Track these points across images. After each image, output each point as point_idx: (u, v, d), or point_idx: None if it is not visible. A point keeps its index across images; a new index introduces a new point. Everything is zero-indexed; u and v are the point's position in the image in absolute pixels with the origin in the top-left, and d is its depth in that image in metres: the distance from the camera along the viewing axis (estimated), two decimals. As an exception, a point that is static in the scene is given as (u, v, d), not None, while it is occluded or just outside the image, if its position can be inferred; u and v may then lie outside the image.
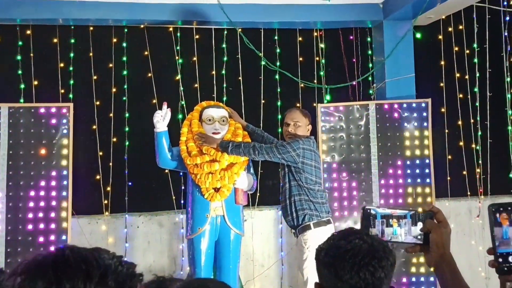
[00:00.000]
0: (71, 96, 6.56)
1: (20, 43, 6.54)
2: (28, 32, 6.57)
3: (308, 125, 5.25)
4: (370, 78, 7.03)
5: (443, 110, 7.08)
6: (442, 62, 7.04)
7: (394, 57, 6.69)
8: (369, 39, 7.13)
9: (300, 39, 7.09)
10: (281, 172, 5.24)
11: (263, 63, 6.75)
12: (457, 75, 7.06)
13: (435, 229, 1.90)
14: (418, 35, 6.67)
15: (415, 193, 6.38)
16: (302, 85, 6.90)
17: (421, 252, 1.93)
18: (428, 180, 6.41)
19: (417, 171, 6.42)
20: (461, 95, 7.08)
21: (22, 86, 6.47)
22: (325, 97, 6.83)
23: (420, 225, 1.93)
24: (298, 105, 6.87)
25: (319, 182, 5.09)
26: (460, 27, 7.00)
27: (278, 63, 6.81)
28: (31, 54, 6.57)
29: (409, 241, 1.94)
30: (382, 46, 6.75)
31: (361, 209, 1.95)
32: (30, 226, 5.79)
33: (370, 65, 7.05)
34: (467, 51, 7.02)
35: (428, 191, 6.39)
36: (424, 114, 6.45)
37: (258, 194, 6.66)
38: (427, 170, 6.41)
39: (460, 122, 7.09)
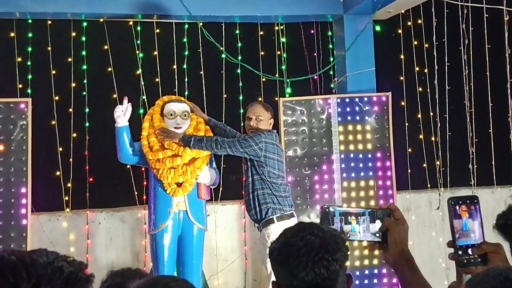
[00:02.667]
0: (29, 91, 6.45)
1: (-25, 37, 6.40)
2: (-17, 25, 6.44)
3: (270, 119, 5.27)
4: (331, 72, 7.07)
5: (403, 103, 7.15)
6: (402, 56, 7.11)
7: (355, 51, 6.73)
8: (329, 33, 7.16)
9: (262, 33, 7.09)
10: (244, 166, 5.25)
11: (224, 56, 6.73)
12: (417, 68, 7.14)
13: (393, 226, 1.91)
14: (378, 28, 6.73)
15: (376, 186, 6.44)
16: (264, 79, 6.91)
17: (380, 249, 1.95)
18: (389, 173, 6.47)
19: (378, 164, 6.48)
20: (420, 89, 7.17)
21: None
22: (286, 90, 6.85)
23: (378, 222, 1.94)
24: (260, 99, 6.88)
25: (282, 175, 5.11)
26: (419, 21, 7.07)
27: (239, 57, 6.79)
28: (-14, 49, 6.45)
29: (367, 239, 1.95)
30: (343, 40, 6.78)
31: (319, 208, 1.96)
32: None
33: (331, 59, 7.08)
34: (426, 45, 7.11)
35: (389, 184, 6.46)
36: (385, 107, 6.51)
37: (221, 188, 6.64)
38: (388, 163, 6.48)
39: (420, 115, 7.19)
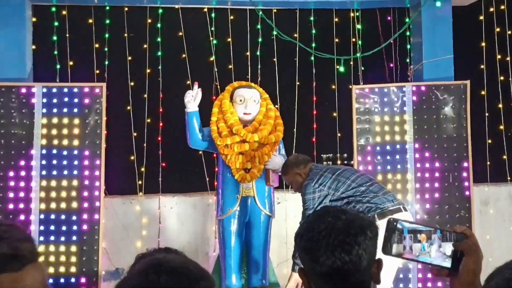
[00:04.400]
0: (105, 76, 6.57)
1: (56, 23, 6.56)
2: (64, 12, 6.60)
3: (298, 171, 4.89)
4: (408, 60, 6.87)
5: (483, 92, 6.87)
6: (483, 44, 6.83)
7: (432, 38, 6.51)
8: (407, 19, 6.95)
9: (337, 19, 6.96)
10: None
11: (297, 45, 6.64)
12: (498, 56, 6.85)
13: (471, 253, 1.70)
14: (438, 4, 6.42)
15: (451, 177, 6.22)
16: (337, 66, 6.78)
17: (448, 276, 1.75)
18: (465, 164, 6.24)
19: (455, 154, 6.25)
20: (502, 78, 6.88)
21: (58, 66, 6.51)
22: (339, 69, 6.65)
23: (449, 246, 1.75)
24: (333, 86, 6.79)
25: (348, 190, 4.78)
26: (502, 7, 6.78)
27: (313, 44, 6.70)
28: (67, 35, 6.60)
29: (437, 262, 1.75)
30: (420, 26, 6.57)
31: (387, 219, 1.84)
32: (63, 205, 5.83)
33: (408, 46, 6.88)
34: (509, 32, 6.80)
35: (466, 175, 6.23)
36: (463, 96, 6.27)
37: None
38: (465, 154, 6.24)
39: (500, 105, 6.89)
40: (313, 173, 4.83)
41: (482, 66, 6.86)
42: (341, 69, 6.62)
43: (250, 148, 4.96)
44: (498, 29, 6.84)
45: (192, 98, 5.05)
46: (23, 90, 5.86)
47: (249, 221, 5.12)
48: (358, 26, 6.89)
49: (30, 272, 1.58)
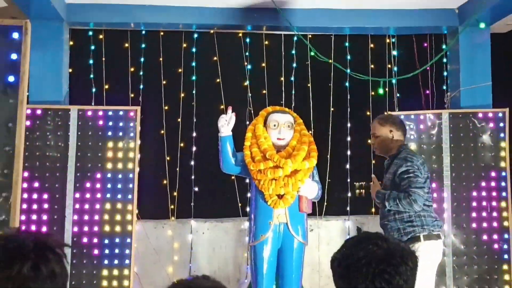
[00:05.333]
0: (140, 100, 6.61)
1: (92, 47, 6.64)
2: (101, 36, 6.69)
3: (392, 132, 4.81)
4: (444, 87, 6.78)
5: (522, 121, 6.73)
6: (523, 71, 6.72)
7: (470, 65, 6.43)
8: (444, 46, 6.87)
9: (372, 45, 6.91)
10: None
11: (332, 68, 6.60)
12: (538, 84, 6.73)
13: None
14: (482, 25, 6.33)
15: (490, 208, 6.08)
16: (373, 93, 6.72)
17: None
18: (504, 194, 6.10)
19: (493, 184, 6.12)
20: (542, 106, 6.74)
21: (94, 89, 6.57)
22: (378, 90, 6.57)
23: None
24: (368, 113, 6.71)
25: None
26: (542, 34, 6.68)
27: (348, 70, 6.65)
28: (103, 58, 6.67)
29: None
30: (458, 53, 6.49)
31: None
32: (95, 228, 5.83)
33: (445, 73, 6.79)
34: (550, 59, 6.69)
35: (505, 205, 6.09)
36: (501, 124, 6.15)
37: (325, 203, 6.52)
38: (503, 183, 6.10)
39: (539, 134, 6.74)
40: (411, 151, 4.88)
41: (521, 93, 6.73)
42: (380, 91, 6.55)
43: (284, 174, 4.89)
44: (537, 56, 6.73)
45: (226, 123, 5.01)
46: (59, 113, 5.90)
47: (282, 248, 5.02)
48: (394, 52, 6.84)
49: None
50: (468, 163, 6.14)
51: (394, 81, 6.75)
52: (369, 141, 4.98)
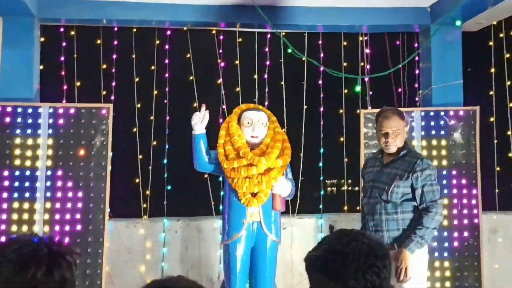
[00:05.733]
0: (112, 97, 6.54)
1: (64, 44, 6.56)
2: (72, 33, 6.61)
3: (406, 127, 4.64)
4: (416, 85, 6.83)
5: (492, 119, 6.81)
6: (492, 70, 6.78)
7: (442, 63, 6.48)
8: (416, 44, 6.92)
9: (345, 43, 6.93)
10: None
11: (305, 68, 6.62)
12: (508, 83, 6.80)
13: None
14: (458, 23, 6.38)
15: (460, 205, 6.14)
16: (346, 90, 6.75)
17: None
18: (474, 191, 6.16)
19: (463, 181, 6.19)
20: (511, 104, 6.81)
21: (65, 87, 6.49)
22: (355, 88, 6.59)
23: None
24: (341, 111, 6.74)
25: None
26: (512, 33, 6.75)
27: (321, 68, 6.66)
28: (75, 55, 6.59)
29: None
30: (429, 51, 6.54)
31: None
32: (67, 228, 5.76)
33: (417, 71, 6.84)
34: (519, 58, 6.77)
35: (475, 203, 6.16)
36: (472, 122, 6.22)
37: (298, 201, 6.53)
38: (473, 181, 6.17)
39: (510, 132, 6.82)
40: (418, 153, 4.72)
41: (491, 92, 6.80)
42: (357, 88, 6.57)
43: (258, 172, 4.87)
44: (508, 55, 6.80)
45: (200, 120, 4.97)
46: (30, 111, 5.82)
47: (255, 247, 5.00)
48: (367, 50, 6.87)
49: None
50: (440, 160, 6.19)
51: (366, 79, 6.78)
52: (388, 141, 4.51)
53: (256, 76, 6.78)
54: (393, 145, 4.48)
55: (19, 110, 5.80)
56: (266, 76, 6.78)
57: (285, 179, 5.04)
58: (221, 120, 6.47)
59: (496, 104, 6.81)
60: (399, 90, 6.88)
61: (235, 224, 4.95)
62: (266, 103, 6.60)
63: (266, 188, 4.88)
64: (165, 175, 6.60)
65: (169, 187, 6.62)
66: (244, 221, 4.92)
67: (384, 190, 4.47)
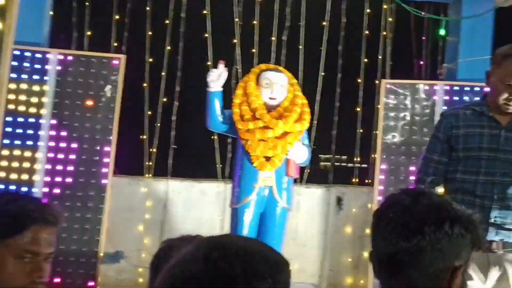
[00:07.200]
0: (123, 50, 6.32)
1: (76, -11, 6.32)
2: (86, -21, 6.35)
3: None
4: (439, 58, 6.60)
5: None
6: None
7: (470, 37, 6.23)
8: (442, 16, 6.67)
9: (369, 10, 6.66)
10: None
11: (326, 33, 6.38)
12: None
13: None
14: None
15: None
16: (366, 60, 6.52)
17: None
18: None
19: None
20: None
21: (75, 34, 6.24)
22: (439, 31, 6.39)
23: None
24: (359, 80, 6.53)
25: None
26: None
27: (342, 33, 6.43)
28: (87, 3, 6.34)
29: None
30: (459, 24, 6.29)
31: None
32: (69, 179, 5.55)
33: (440, 44, 6.60)
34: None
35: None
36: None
37: (308, 170, 6.33)
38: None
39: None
40: None
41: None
42: (442, 32, 6.32)
43: (273, 135, 4.65)
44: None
45: (217, 77, 4.75)
46: (38, 55, 5.57)
47: (265, 213, 4.82)
48: (390, 19, 6.62)
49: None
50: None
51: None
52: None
53: (274, 38, 6.53)
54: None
55: (27, 54, 5.55)
56: (284, 38, 6.53)
57: (302, 145, 4.83)
58: (233, 81, 6.23)
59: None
60: (420, 62, 6.65)
61: (245, 188, 4.76)
62: (283, 66, 6.36)
63: (281, 152, 4.67)
64: (173, 133, 6.39)
65: (175, 146, 6.42)
66: (255, 185, 4.72)
67: None
